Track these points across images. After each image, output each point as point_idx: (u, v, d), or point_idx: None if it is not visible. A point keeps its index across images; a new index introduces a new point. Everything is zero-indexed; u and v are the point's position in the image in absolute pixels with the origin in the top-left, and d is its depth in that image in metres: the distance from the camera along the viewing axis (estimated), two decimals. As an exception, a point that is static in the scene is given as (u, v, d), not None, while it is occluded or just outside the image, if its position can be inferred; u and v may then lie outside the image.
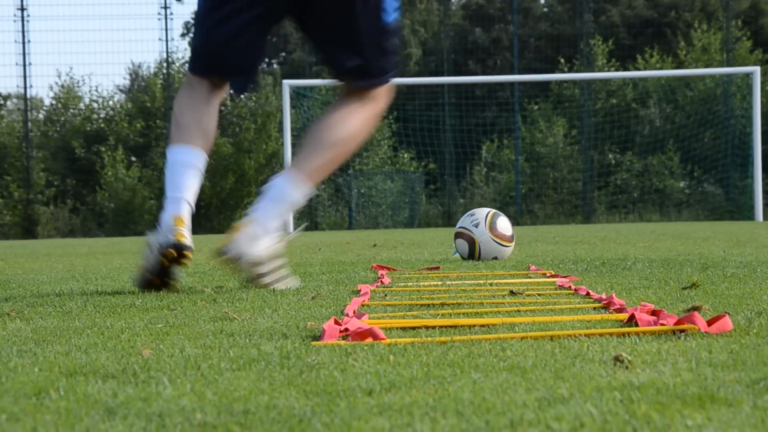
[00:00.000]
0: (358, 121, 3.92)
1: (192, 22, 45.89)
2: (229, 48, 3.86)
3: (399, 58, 4.07)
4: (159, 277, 3.71)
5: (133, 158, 27.08)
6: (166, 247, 3.66)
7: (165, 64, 26.97)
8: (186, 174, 3.81)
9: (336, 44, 3.88)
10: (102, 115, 27.98)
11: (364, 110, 3.94)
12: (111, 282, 4.45)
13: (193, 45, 4.00)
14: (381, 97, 3.98)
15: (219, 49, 3.88)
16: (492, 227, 5.68)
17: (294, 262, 6.05)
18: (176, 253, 3.66)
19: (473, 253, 5.68)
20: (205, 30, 3.90)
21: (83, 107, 28.17)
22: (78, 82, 28.61)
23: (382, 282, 3.95)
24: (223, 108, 28.67)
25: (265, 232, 3.72)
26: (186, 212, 3.75)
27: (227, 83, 4.00)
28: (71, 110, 28.22)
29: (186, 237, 3.67)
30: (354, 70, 3.89)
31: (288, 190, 3.79)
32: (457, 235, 5.78)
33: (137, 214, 25.75)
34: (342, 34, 3.84)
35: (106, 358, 2.04)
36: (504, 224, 5.75)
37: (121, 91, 37.07)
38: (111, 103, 28.38)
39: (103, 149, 26.51)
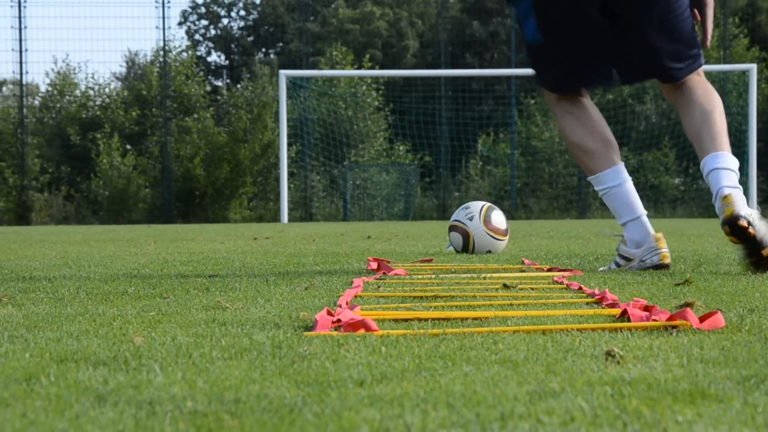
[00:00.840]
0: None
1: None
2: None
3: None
4: None
5: (129, 146, 27.05)
6: (652, 265, 4.15)
7: (162, 53, 26.93)
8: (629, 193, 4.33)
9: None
10: (98, 103, 27.93)
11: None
12: (104, 269, 4.44)
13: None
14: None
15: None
16: (486, 221, 5.70)
17: (287, 252, 6.05)
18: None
19: (467, 246, 5.70)
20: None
21: (79, 94, 28.12)
22: (74, 69, 28.57)
23: (385, 273, 3.96)
24: (218, 98, 28.64)
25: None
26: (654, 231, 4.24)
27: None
28: (67, 97, 28.17)
29: (668, 255, 4.18)
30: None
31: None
32: (452, 228, 5.80)
33: (132, 202, 25.73)
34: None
35: (98, 345, 2.04)
36: (498, 218, 5.76)
37: (117, 78, 37.02)
38: (107, 90, 28.34)
39: (98, 137, 26.48)
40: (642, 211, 4.30)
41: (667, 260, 4.14)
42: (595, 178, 4.34)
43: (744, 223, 3.83)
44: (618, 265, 4.24)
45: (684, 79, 4.22)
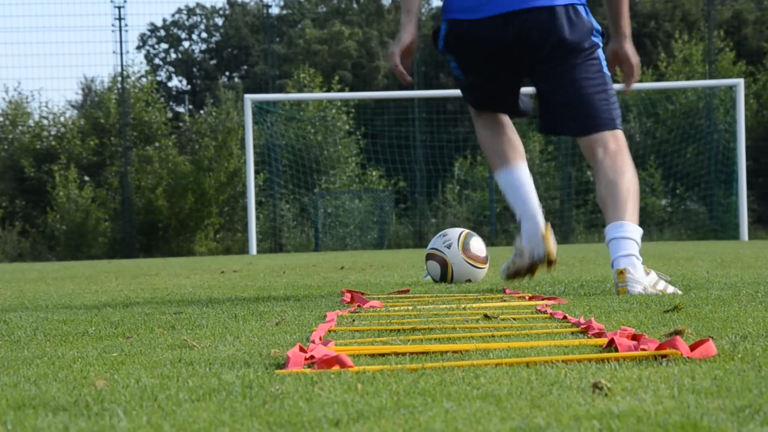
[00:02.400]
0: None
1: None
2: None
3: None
4: (525, 275, 4.76)
5: (86, 178, 26.96)
6: (538, 258, 4.67)
7: (120, 78, 26.91)
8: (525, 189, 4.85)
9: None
10: (53, 133, 27.85)
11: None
12: (62, 309, 4.42)
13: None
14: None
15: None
16: (465, 248, 5.73)
17: (256, 286, 6.04)
18: (547, 264, 4.68)
19: (445, 275, 5.71)
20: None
21: (32, 124, 28.04)
22: (27, 98, 28.50)
23: (360, 306, 3.96)
24: (181, 124, 28.62)
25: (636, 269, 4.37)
26: (547, 227, 4.74)
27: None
28: (20, 127, 28.07)
29: (554, 251, 4.67)
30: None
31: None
32: (429, 257, 5.81)
33: (91, 236, 25.62)
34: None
35: (57, 389, 2.03)
36: (478, 245, 5.78)
37: (73, 106, 36.94)
38: (62, 119, 28.27)
39: (54, 168, 26.38)
40: (535, 208, 4.77)
41: (553, 256, 4.63)
42: (497, 175, 4.95)
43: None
44: (513, 262, 4.73)
45: (594, 139, 4.66)
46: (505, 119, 5.07)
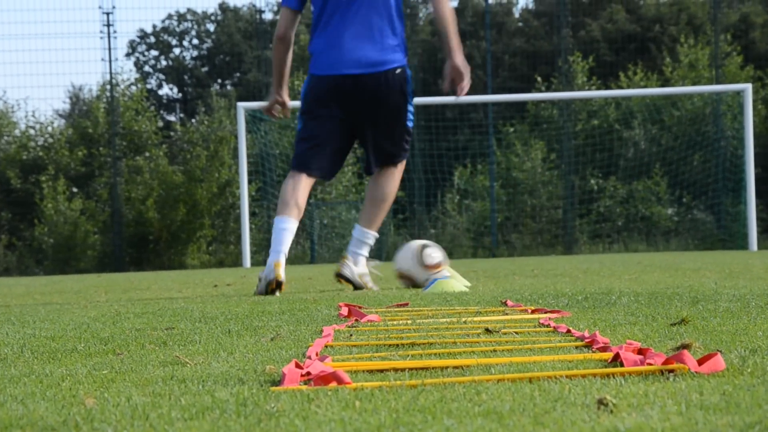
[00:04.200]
0: (395, 180, 7.22)
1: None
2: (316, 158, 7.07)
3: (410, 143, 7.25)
4: (266, 294, 6.57)
5: (75, 189, 26.95)
6: (269, 281, 6.63)
7: (108, 87, 26.92)
8: (283, 234, 6.87)
9: (383, 140, 7.08)
10: (40, 143, 27.85)
11: (397, 174, 7.24)
12: (50, 325, 4.42)
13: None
14: (402, 165, 7.27)
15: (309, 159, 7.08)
16: (423, 262, 6.79)
17: (251, 300, 6.04)
18: (275, 285, 6.62)
19: (418, 286, 6.81)
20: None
21: (19, 134, 28.04)
22: (12, 107, 28.50)
23: (357, 320, 3.96)
24: (172, 134, 28.62)
25: (356, 262, 7.08)
26: (282, 259, 6.72)
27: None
28: (5, 138, 28.07)
29: (282, 275, 6.60)
30: (393, 154, 7.16)
31: (363, 239, 7.18)
32: (399, 277, 7.00)
33: (79, 250, 25.60)
34: (387, 134, 7.06)
35: (45, 408, 2.03)
36: (430, 252, 6.73)
37: (60, 116, 36.95)
38: (50, 129, 28.27)
39: (42, 179, 26.38)
40: (282, 250, 6.78)
41: (281, 278, 6.59)
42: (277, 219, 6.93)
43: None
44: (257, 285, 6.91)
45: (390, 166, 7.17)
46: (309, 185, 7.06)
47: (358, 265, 6.99)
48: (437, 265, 6.75)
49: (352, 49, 6.81)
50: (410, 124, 7.06)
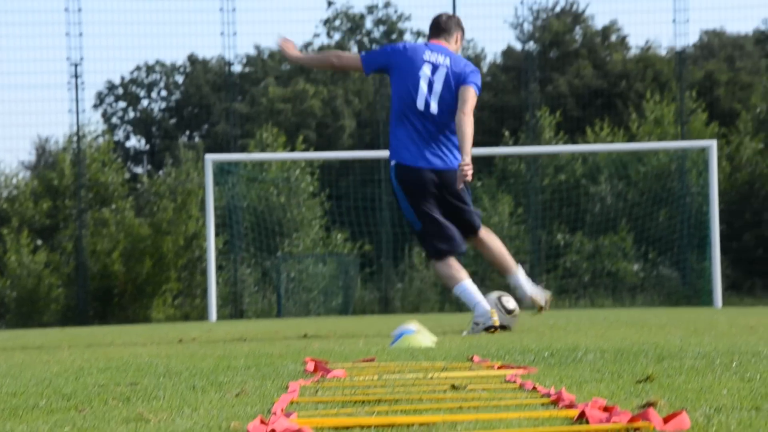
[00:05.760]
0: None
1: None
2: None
3: None
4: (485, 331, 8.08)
5: (39, 242, 26.79)
6: (488, 327, 8.12)
7: (75, 138, 26.87)
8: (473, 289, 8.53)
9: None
10: (4, 195, 27.70)
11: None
12: (11, 380, 4.38)
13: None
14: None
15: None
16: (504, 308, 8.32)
17: (216, 354, 6.00)
18: (494, 330, 8.09)
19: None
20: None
21: (-17, 185, 27.89)
22: (-22, 158, 28.33)
23: (323, 375, 3.95)
24: (139, 186, 28.56)
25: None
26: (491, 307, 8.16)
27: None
28: (-30, 188, 27.92)
29: (498, 321, 8.13)
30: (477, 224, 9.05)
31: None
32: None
33: (43, 303, 25.40)
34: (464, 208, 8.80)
35: (6, 466, 2.01)
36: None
37: (26, 167, 36.83)
38: (15, 181, 28.14)
39: (5, 232, 26.21)
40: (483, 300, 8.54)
41: (497, 323, 8.16)
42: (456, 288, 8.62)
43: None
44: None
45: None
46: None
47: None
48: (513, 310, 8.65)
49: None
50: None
